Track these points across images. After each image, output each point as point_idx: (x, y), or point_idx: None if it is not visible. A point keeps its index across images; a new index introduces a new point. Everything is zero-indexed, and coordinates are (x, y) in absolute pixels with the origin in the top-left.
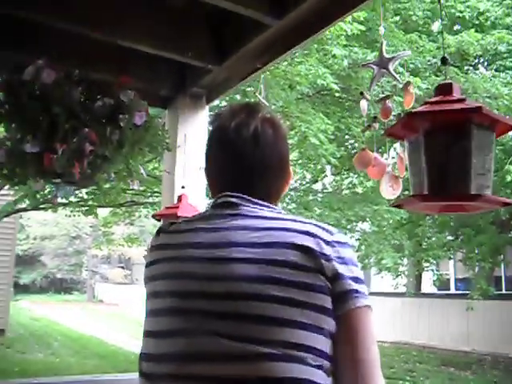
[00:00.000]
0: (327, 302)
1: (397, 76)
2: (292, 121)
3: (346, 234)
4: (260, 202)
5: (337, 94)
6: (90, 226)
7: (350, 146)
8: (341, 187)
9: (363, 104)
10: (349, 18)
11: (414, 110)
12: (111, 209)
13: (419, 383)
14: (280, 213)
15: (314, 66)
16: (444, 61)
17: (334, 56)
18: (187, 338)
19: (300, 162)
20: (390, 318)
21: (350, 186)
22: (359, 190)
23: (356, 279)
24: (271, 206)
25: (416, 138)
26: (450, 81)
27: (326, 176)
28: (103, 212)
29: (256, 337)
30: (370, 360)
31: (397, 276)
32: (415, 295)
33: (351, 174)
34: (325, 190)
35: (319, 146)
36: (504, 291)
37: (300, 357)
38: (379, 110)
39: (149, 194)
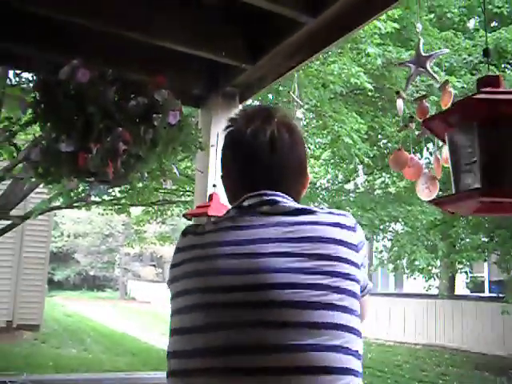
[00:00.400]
0: (358, 288)
1: (434, 75)
2: (325, 120)
3: (378, 234)
4: (287, 196)
5: (370, 93)
6: (123, 224)
7: (382, 146)
8: (373, 187)
9: (399, 103)
10: (383, 16)
11: (472, 96)
12: (143, 207)
13: None
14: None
15: (347, 64)
16: (486, 53)
17: (367, 55)
18: (225, 331)
19: (332, 161)
20: (422, 320)
21: (383, 185)
22: (392, 189)
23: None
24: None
25: (464, 131)
26: (498, 74)
27: (358, 176)
28: (136, 210)
29: (299, 321)
30: None
31: (429, 278)
32: (448, 297)
33: (383, 174)
34: (357, 190)
35: (352, 145)
36: None
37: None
38: (415, 110)
39: (181, 193)
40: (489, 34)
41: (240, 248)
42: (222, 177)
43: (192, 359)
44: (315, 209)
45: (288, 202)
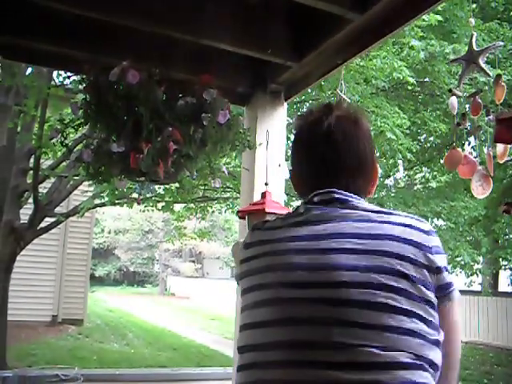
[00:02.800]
0: (433, 296)
1: (487, 69)
2: (368, 115)
3: None
4: (353, 195)
5: (411, 88)
6: (162, 221)
7: (423, 140)
8: (413, 182)
9: (453, 101)
10: None
11: (503, 116)
12: (184, 204)
13: None
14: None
15: (389, 59)
16: None
17: (411, 48)
18: (296, 326)
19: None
20: (464, 317)
21: (423, 180)
22: (433, 184)
23: (448, 269)
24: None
25: None
26: None
27: (397, 171)
28: (176, 207)
29: (365, 322)
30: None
31: (472, 274)
32: (492, 294)
33: (424, 169)
34: (397, 185)
35: (395, 140)
36: None
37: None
38: (469, 107)
39: (221, 190)
40: None
41: (312, 243)
42: (289, 171)
43: (264, 352)
44: (390, 210)
45: (360, 201)
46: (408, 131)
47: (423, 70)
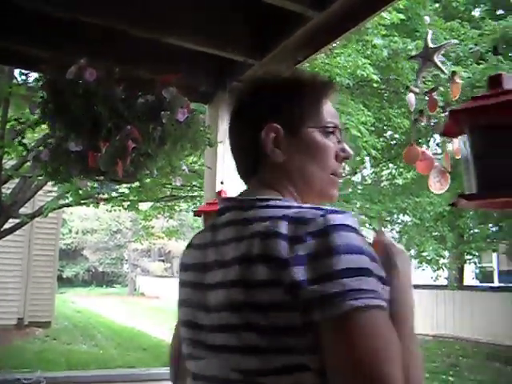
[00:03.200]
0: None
1: (442, 67)
2: None
3: (386, 226)
4: (249, 197)
5: (376, 85)
6: (131, 221)
7: (388, 137)
8: (379, 179)
9: (411, 98)
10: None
11: (454, 108)
12: (151, 203)
13: (464, 378)
14: (264, 205)
15: (353, 56)
16: (495, 51)
17: (373, 46)
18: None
19: None
20: (431, 311)
21: (390, 177)
22: (399, 181)
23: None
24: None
25: (465, 135)
26: (500, 72)
27: (365, 168)
28: (143, 206)
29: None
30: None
31: (438, 268)
32: (457, 288)
33: (390, 165)
34: (364, 182)
35: (360, 137)
36: None
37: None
38: (426, 103)
39: (188, 188)
40: (495, 23)
41: (195, 276)
42: None
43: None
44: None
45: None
46: (373, 128)
47: (387, 67)
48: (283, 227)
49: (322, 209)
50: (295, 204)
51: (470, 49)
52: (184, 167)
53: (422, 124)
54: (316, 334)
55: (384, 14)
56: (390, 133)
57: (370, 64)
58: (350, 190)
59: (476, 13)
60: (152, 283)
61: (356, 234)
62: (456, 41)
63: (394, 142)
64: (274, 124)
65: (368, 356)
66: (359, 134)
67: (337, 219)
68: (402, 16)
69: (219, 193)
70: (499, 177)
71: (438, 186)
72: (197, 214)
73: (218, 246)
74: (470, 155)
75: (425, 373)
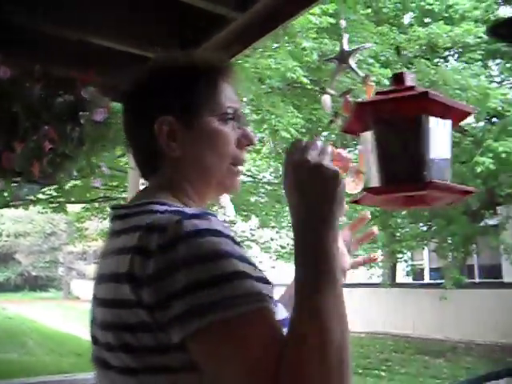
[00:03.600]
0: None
1: (357, 70)
2: (263, 114)
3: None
4: (130, 204)
5: (308, 87)
6: (65, 223)
7: (322, 139)
8: None
9: (326, 99)
10: (317, 11)
11: (359, 101)
12: (84, 204)
13: (395, 372)
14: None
15: (284, 59)
16: (398, 51)
17: (303, 49)
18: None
19: (273, 155)
20: (365, 309)
21: None
22: None
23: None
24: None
25: (366, 130)
26: (402, 70)
27: None
28: (76, 208)
29: None
30: None
31: (370, 267)
32: (390, 286)
33: None
34: None
35: (290, 139)
36: (477, 280)
37: None
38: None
39: (122, 190)
40: (422, 30)
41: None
42: None
43: None
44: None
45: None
46: (304, 130)
47: (317, 68)
48: (138, 239)
49: (182, 212)
50: (166, 208)
51: (399, 53)
52: (104, 168)
53: (338, 125)
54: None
55: (313, 18)
56: (324, 134)
57: (299, 66)
58: (282, 191)
59: (406, 20)
60: (88, 286)
61: (215, 236)
62: (371, 44)
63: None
64: (166, 116)
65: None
66: (289, 136)
67: (190, 226)
68: (332, 20)
69: None
70: (403, 170)
71: (353, 185)
72: None
73: (103, 258)
74: (374, 150)
75: (359, 369)
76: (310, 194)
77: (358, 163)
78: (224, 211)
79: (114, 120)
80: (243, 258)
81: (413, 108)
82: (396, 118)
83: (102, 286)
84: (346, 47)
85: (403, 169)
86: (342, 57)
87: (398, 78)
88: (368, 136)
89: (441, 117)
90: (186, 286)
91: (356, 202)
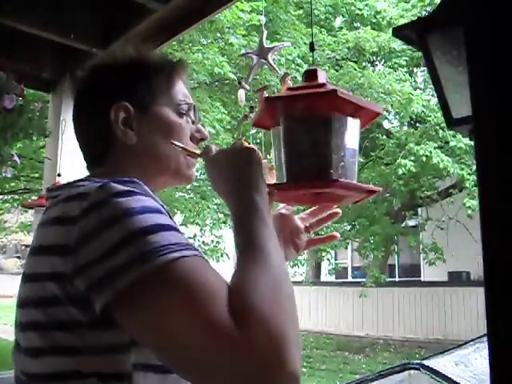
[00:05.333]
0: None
1: (275, 66)
2: None
3: None
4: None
5: (236, 84)
6: None
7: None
8: None
9: (241, 94)
10: (248, 8)
11: (270, 96)
12: (1, 196)
13: (315, 368)
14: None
15: (212, 54)
16: (311, 47)
17: (230, 44)
18: None
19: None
20: None
21: None
22: None
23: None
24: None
25: (276, 125)
26: (315, 67)
27: None
28: None
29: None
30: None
31: (294, 265)
32: (313, 284)
33: None
34: None
35: (215, 135)
36: (397, 278)
37: None
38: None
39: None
40: (351, 33)
41: None
42: None
43: None
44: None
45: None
46: (229, 126)
47: (246, 65)
48: (61, 210)
49: (105, 180)
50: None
51: (327, 55)
52: (15, 158)
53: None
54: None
55: (243, 15)
56: (252, 131)
57: (227, 62)
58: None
59: (337, 23)
60: (6, 281)
61: (136, 195)
62: (289, 43)
63: (258, 140)
64: (123, 102)
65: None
66: (214, 131)
67: (112, 188)
68: (262, 18)
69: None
70: (309, 168)
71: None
72: (25, 205)
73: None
74: (283, 146)
75: None
76: (233, 179)
77: (271, 159)
78: None
79: (26, 108)
80: (165, 214)
81: (323, 106)
82: (305, 115)
83: (26, 260)
84: (265, 43)
85: (310, 166)
86: (261, 52)
87: (310, 74)
88: (277, 132)
89: (350, 116)
90: (108, 248)
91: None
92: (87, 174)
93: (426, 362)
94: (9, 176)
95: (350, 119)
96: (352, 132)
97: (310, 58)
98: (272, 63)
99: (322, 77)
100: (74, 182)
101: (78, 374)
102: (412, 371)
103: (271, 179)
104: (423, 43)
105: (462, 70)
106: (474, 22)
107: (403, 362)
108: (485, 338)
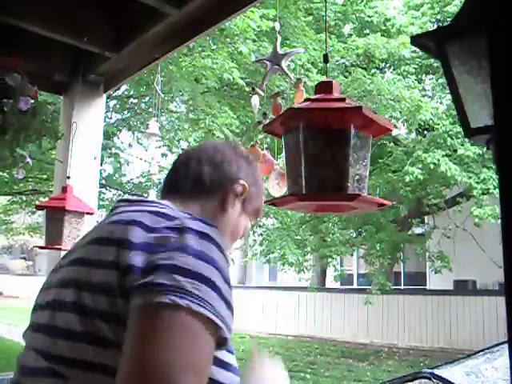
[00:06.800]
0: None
1: (288, 72)
2: (198, 114)
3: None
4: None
5: (247, 89)
6: None
7: (259, 141)
8: None
9: (255, 100)
10: (258, 15)
11: (294, 106)
12: (10, 197)
13: (319, 375)
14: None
15: (220, 60)
16: (325, 59)
17: (240, 53)
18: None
19: None
20: (293, 312)
21: None
22: (266, 185)
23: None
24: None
25: (294, 135)
26: (330, 79)
27: None
28: (2, 200)
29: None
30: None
31: (299, 271)
32: (318, 290)
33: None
34: None
35: (224, 140)
36: (402, 286)
37: None
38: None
39: (51, 183)
40: (360, 40)
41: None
42: None
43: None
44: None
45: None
46: (238, 130)
47: (255, 71)
48: (144, 218)
49: (192, 215)
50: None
51: (337, 61)
52: (28, 160)
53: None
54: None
55: (252, 23)
56: (260, 137)
57: (237, 68)
58: None
59: (346, 29)
60: (12, 282)
61: (216, 247)
62: (303, 50)
63: (266, 146)
64: (244, 182)
65: (164, 355)
66: (223, 136)
67: (201, 227)
68: (272, 24)
69: (65, 188)
70: (327, 179)
71: (277, 188)
72: (38, 207)
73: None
74: (300, 156)
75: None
76: None
77: (283, 166)
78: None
79: (40, 110)
80: (228, 281)
81: (344, 120)
82: (326, 128)
83: (83, 248)
84: (279, 49)
85: (328, 178)
86: (275, 58)
87: (324, 87)
88: (292, 140)
89: (366, 131)
90: (178, 267)
91: (274, 204)
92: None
93: (436, 372)
94: (20, 178)
95: (365, 134)
96: (366, 146)
97: (320, 64)
98: (285, 69)
99: (337, 89)
100: (164, 204)
101: (104, 367)
102: (423, 380)
103: (283, 185)
104: (442, 52)
105: (481, 79)
106: (499, 30)
107: (413, 371)
108: (495, 348)
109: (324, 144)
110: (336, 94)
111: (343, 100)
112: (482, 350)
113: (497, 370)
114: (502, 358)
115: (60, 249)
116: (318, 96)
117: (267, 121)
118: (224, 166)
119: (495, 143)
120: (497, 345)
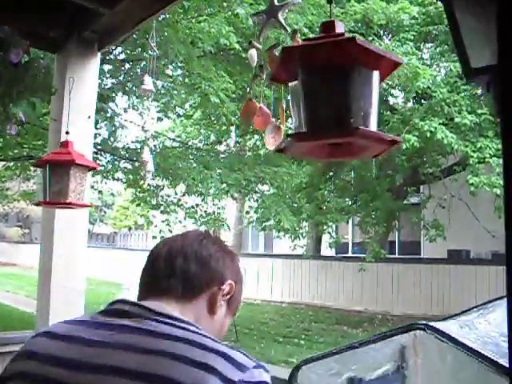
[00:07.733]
0: None
1: (285, 25)
2: (194, 78)
3: (247, 195)
4: (164, 311)
5: (243, 54)
6: None
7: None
8: (244, 148)
9: (252, 53)
10: None
11: (287, 46)
12: (4, 163)
13: (314, 341)
14: (185, 328)
15: (217, 24)
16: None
17: (236, 15)
18: None
19: (204, 121)
20: (288, 279)
21: (255, 147)
22: (262, 151)
23: None
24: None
25: (292, 75)
26: (332, 19)
27: (230, 137)
28: None
29: None
30: None
31: (295, 238)
32: (313, 257)
33: (255, 136)
34: (228, 151)
35: (220, 104)
36: (397, 255)
37: None
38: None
39: (46, 149)
40: (358, 5)
41: (74, 376)
42: None
43: None
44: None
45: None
46: (235, 95)
47: (252, 35)
48: (218, 363)
49: (248, 357)
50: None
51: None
52: (21, 115)
53: (262, 80)
54: None
55: None
56: (257, 101)
57: (234, 32)
58: (211, 157)
59: None
60: (8, 249)
61: None
62: (299, 0)
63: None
64: (232, 282)
65: None
66: (218, 101)
67: (264, 377)
68: None
69: (65, 143)
70: (329, 118)
71: (272, 141)
72: (40, 162)
73: (112, 348)
74: (301, 97)
75: (280, 337)
76: None
77: (279, 119)
78: (146, 167)
79: (32, 65)
80: None
81: (341, 55)
82: (324, 65)
83: (114, 378)
84: (276, 1)
85: (330, 116)
86: (271, 11)
87: (327, 26)
88: (295, 85)
89: (370, 66)
90: None
91: (281, 150)
92: (93, 149)
93: (431, 323)
94: (13, 133)
95: (369, 69)
96: (372, 83)
97: (317, 29)
98: (282, 22)
99: (340, 28)
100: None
101: None
102: (417, 332)
103: (278, 138)
104: None
105: (484, 19)
106: None
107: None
108: (489, 305)
109: (323, 81)
110: (338, 31)
111: (341, 35)
112: (476, 307)
113: (489, 323)
114: (494, 313)
115: (65, 204)
116: (315, 36)
117: (263, 73)
118: (211, 264)
119: (499, 82)
120: (490, 301)
